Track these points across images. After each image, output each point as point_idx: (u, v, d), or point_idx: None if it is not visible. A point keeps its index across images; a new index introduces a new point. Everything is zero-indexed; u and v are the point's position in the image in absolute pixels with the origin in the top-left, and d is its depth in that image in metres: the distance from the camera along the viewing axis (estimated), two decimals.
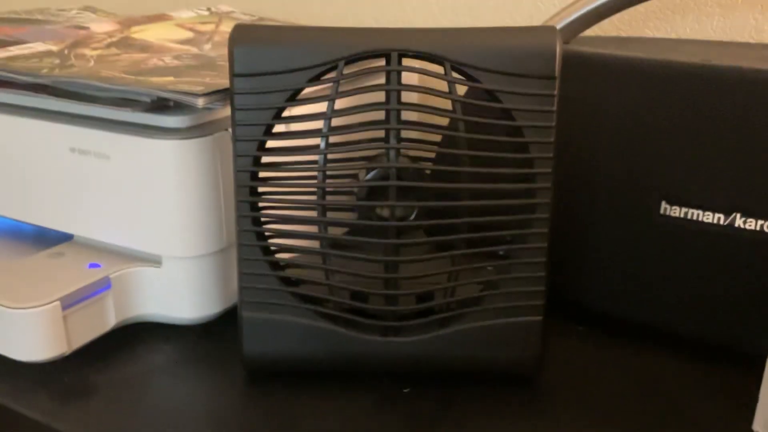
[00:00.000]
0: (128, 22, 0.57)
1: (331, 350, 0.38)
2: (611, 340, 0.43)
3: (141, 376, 0.39)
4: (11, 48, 0.47)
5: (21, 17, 0.65)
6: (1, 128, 0.43)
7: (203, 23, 0.59)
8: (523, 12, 0.63)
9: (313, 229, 0.37)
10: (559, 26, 0.49)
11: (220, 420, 0.36)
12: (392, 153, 0.36)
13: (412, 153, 0.38)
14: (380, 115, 0.37)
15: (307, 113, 0.36)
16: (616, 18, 0.59)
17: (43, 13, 0.68)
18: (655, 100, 0.40)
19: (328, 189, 0.36)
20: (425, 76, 0.36)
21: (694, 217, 0.40)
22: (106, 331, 0.41)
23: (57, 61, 0.44)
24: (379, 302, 0.38)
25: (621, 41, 0.52)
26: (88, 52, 0.47)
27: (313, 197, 0.36)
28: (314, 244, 0.37)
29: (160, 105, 0.39)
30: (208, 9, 0.65)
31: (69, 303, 0.38)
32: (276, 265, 0.38)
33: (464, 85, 0.35)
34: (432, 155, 0.39)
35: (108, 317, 0.41)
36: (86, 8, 0.72)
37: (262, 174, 0.37)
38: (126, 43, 0.50)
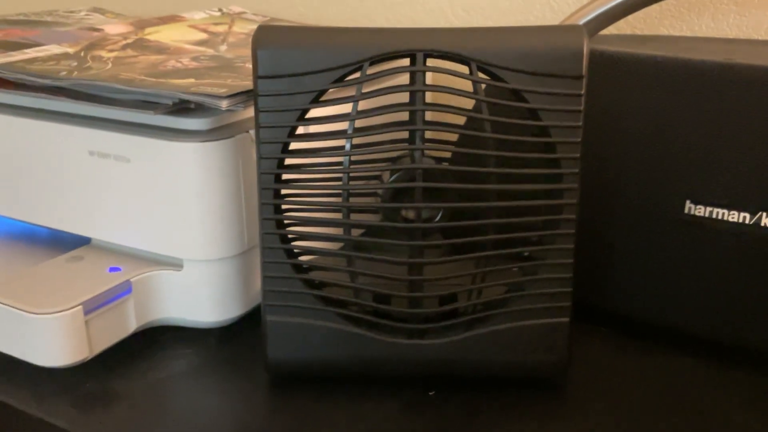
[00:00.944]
0: (141, 24, 0.57)
1: (355, 353, 0.37)
2: (635, 342, 0.42)
3: (163, 382, 0.39)
4: (27, 51, 0.46)
5: (30, 19, 0.64)
6: (19, 131, 0.43)
7: (216, 24, 0.59)
8: (536, 12, 0.63)
9: (337, 231, 0.37)
10: None
11: (244, 426, 0.36)
12: (417, 154, 0.36)
13: (434, 153, 0.38)
14: (401, 115, 0.37)
15: (331, 114, 0.36)
16: (631, 16, 0.59)
17: (52, 15, 0.67)
18: (678, 99, 0.40)
19: (352, 191, 0.36)
20: (439, 76, 0.36)
21: (720, 217, 0.39)
22: (127, 335, 0.41)
23: (74, 63, 0.44)
24: (403, 304, 0.38)
25: (639, 39, 0.52)
26: (104, 54, 0.47)
27: (338, 199, 0.36)
28: (337, 246, 0.37)
29: (181, 107, 0.38)
30: (220, 9, 0.64)
31: (91, 307, 0.38)
32: (299, 268, 0.37)
33: (491, 84, 0.35)
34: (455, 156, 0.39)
35: (129, 321, 0.40)
36: (95, 9, 0.72)
37: (285, 176, 0.36)
38: (141, 45, 0.50)
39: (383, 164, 0.37)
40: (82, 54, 0.46)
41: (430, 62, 0.35)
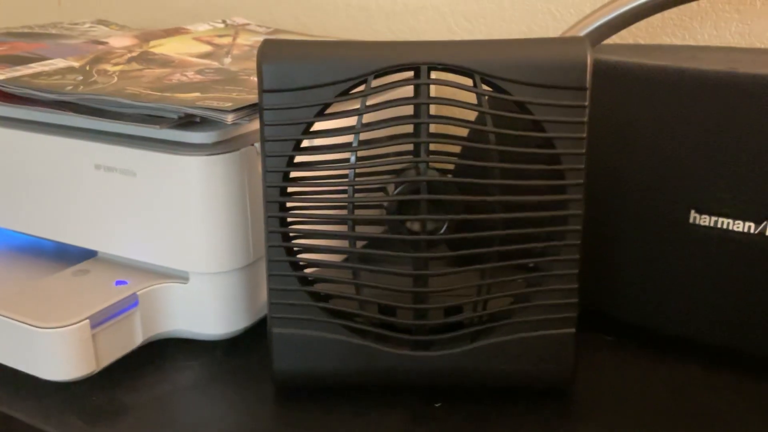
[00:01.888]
0: (146, 36, 0.57)
1: (361, 365, 0.37)
2: (641, 351, 0.42)
3: (170, 394, 0.39)
4: (33, 65, 0.47)
5: (35, 32, 0.65)
6: (25, 145, 0.43)
7: (220, 36, 0.59)
8: (538, 21, 0.63)
9: (342, 243, 0.37)
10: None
11: None
12: (422, 166, 0.36)
13: (438, 165, 0.38)
14: (406, 128, 0.37)
15: (336, 127, 0.36)
16: (633, 26, 0.59)
17: (56, 27, 0.68)
18: (682, 109, 0.40)
19: (357, 203, 0.36)
20: (441, 88, 0.36)
21: (724, 226, 0.39)
22: (133, 348, 0.41)
23: (80, 77, 0.44)
24: (408, 316, 0.38)
25: (641, 49, 0.52)
26: (109, 68, 0.47)
27: (343, 211, 0.36)
28: (342, 258, 0.37)
29: (187, 121, 0.39)
30: (223, 21, 0.65)
31: (98, 321, 0.38)
32: (305, 280, 0.37)
33: (495, 96, 0.35)
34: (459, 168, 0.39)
35: (135, 334, 0.40)
36: (99, 21, 0.72)
37: (291, 189, 0.37)
38: (146, 58, 0.50)
39: (388, 177, 0.37)
40: (87, 68, 0.47)
41: (434, 75, 0.35)
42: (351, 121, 0.36)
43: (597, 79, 0.43)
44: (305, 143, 0.36)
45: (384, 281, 0.37)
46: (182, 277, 0.41)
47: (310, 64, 0.35)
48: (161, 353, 0.42)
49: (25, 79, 0.43)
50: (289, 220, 0.37)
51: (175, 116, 0.38)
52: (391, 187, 0.37)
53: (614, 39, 0.59)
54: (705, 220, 0.40)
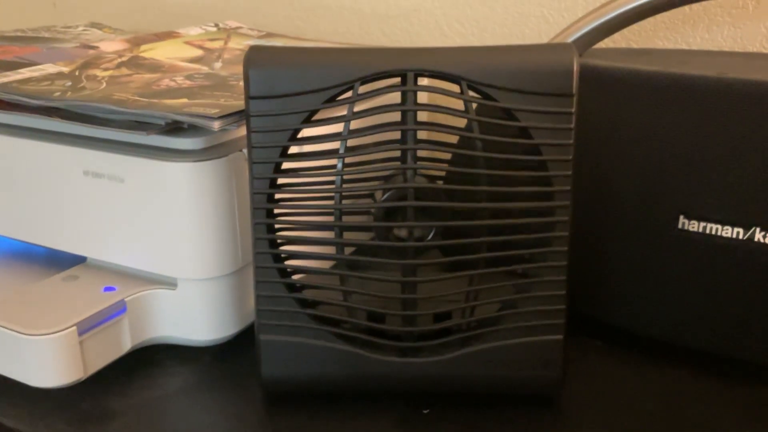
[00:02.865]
0: (137, 41, 0.57)
1: (349, 372, 0.37)
2: (630, 355, 0.42)
3: (158, 400, 0.39)
4: (22, 70, 0.47)
5: (28, 35, 0.65)
6: (14, 151, 0.43)
7: (212, 40, 0.59)
8: (531, 26, 0.63)
9: (330, 250, 0.37)
10: (570, 40, 0.49)
11: None
12: (409, 173, 0.36)
13: (427, 172, 0.38)
14: (393, 134, 0.37)
15: (323, 134, 0.36)
16: (625, 29, 0.59)
17: (49, 31, 0.68)
18: (671, 114, 0.40)
19: (344, 210, 0.36)
20: (434, 94, 0.36)
21: (713, 232, 0.39)
22: (121, 354, 0.41)
23: (69, 83, 0.44)
24: (396, 323, 0.38)
25: (633, 53, 0.52)
26: (99, 73, 0.47)
27: (331, 218, 0.36)
28: (330, 265, 0.37)
29: (174, 127, 0.39)
30: (216, 25, 0.65)
31: (85, 328, 0.38)
32: (293, 287, 0.37)
33: (481, 103, 0.35)
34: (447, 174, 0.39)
35: (123, 341, 0.40)
36: (92, 25, 0.72)
37: (278, 196, 0.36)
38: (136, 63, 0.50)
39: (375, 183, 0.37)
40: (76, 73, 0.47)
41: (422, 81, 0.35)
42: (338, 127, 0.36)
43: (585, 84, 0.43)
44: (293, 150, 0.36)
45: (372, 288, 0.37)
46: (170, 283, 0.41)
47: (296, 71, 0.35)
48: (150, 359, 0.42)
49: (14, 85, 0.43)
50: (276, 226, 0.37)
51: (162, 122, 0.38)
52: (378, 194, 0.37)
53: (606, 42, 0.59)
54: (694, 226, 0.40)
